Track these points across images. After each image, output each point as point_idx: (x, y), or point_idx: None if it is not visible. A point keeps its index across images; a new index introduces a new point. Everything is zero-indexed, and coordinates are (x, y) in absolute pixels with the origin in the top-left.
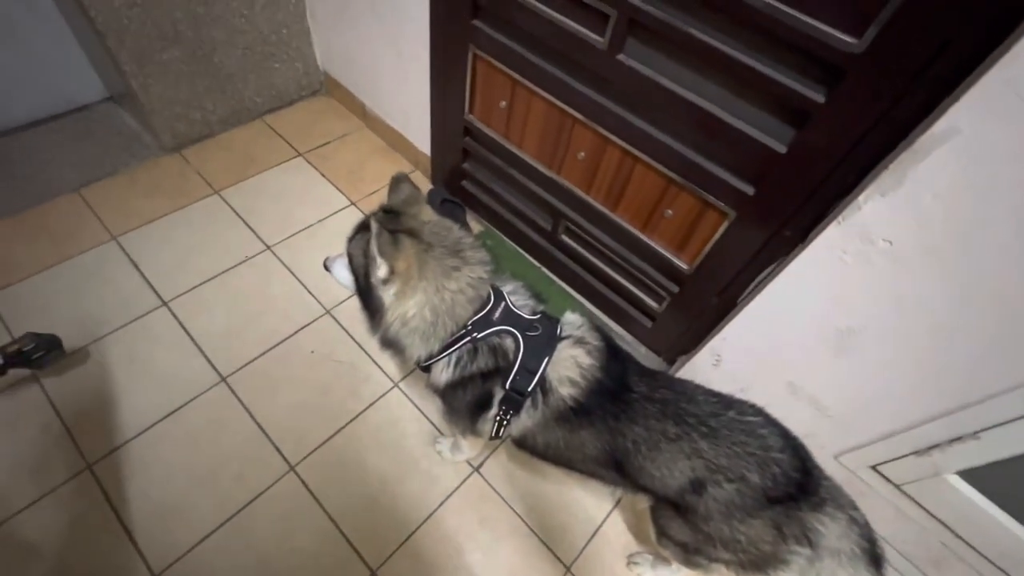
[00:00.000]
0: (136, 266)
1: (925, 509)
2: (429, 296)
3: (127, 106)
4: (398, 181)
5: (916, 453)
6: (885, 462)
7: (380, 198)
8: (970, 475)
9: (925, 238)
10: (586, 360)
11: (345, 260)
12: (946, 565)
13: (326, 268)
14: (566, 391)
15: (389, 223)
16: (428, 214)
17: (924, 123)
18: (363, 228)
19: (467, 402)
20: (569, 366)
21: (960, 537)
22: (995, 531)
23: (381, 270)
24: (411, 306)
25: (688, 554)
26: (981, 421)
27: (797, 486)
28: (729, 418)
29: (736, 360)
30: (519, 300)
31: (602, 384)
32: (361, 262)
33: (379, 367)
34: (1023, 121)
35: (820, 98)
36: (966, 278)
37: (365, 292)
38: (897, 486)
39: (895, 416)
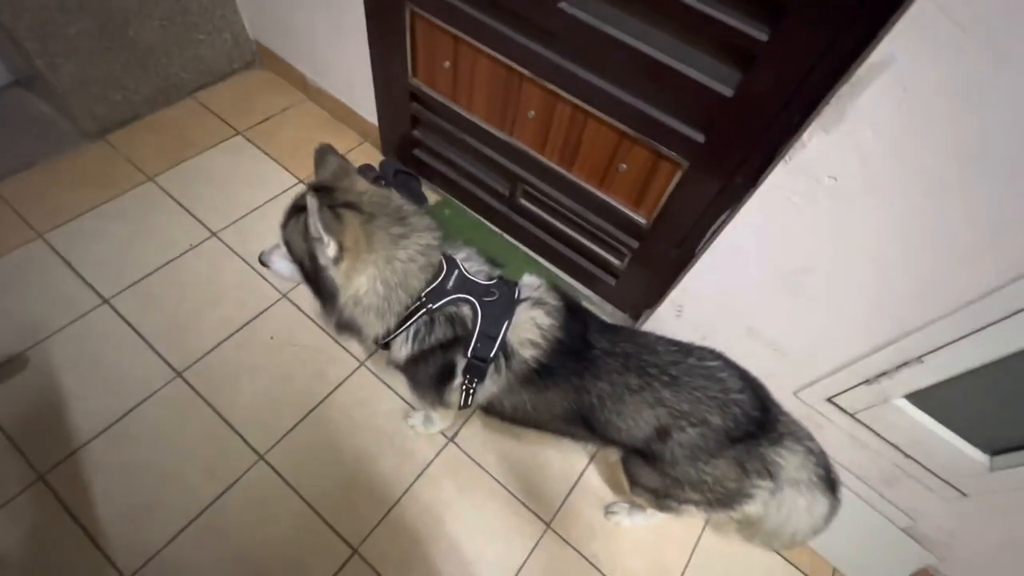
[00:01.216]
0: (69, 264)
1: (878, 434)
2: (380, 269)
3: (37, 90)
4: (323, 154)
5: (866, 382)
6: (839, 393)
7: None
8: (916, 398)
9: (867, 174)
10: (545, 321)
11: (283, 250)
12: (897, 484)
13: (263, 263)
14: (528, 353)
15: (325, 200)
16: (362, 184)
17: (863, 54)
18: (296, 211)
19: (430, 375)
20: (529, 328)
21: (910, 456)
22: (940, 448)
23: (329, 248)
24: (362, 282)
25: (659, 499)
26: (923, 346)
27: (757, 424)
28: (689, 365)
29: (697, 309)
30: (473, 266)
31: (563, 343)
32: (303, 247)
33: (343, 347)
34: (956, 48)
35: (763, 36)
36: (904, 212)
37: (313, 277)
38: (851, 415)
39: (846, 349)
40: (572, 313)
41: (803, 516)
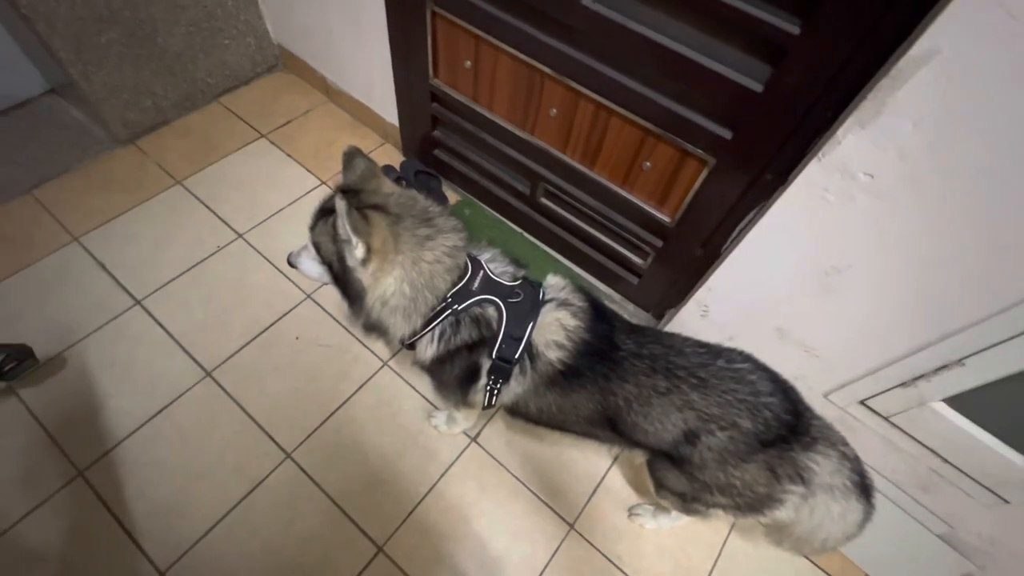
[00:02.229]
0: (103, 266)
1: (913, 438)
2: (407, 270)
3: (71, 97)
4: (351, 156)
5: (903, 385)
6: (873, 396)
7: None
8: (955, 401)
9: (906, 169)
10: (571, 322)
11: (312, 251)
12: (935, 489)
13: (291, 264)
14: (554, 355)
15: (353, 202)
16: (389, 186)
17: (903, 46)
18: (324, 213)
19: (455, 375)
20: (555, 329)
21: (948, 461)
22: (980, 453)
23: (358, 250)
24: (390, 283)
25: (686, 503)
26: (965, 348)
27: (788, 428)
28: (718, 367)
29: (723, 309)
30: (498, 267)
31: (589, 345)
32: (331, 248)
33: (367, 347)
34: (1009, 38)
35: (795, 29)
36: (948, 209)
37: (342, 278)
38: (886, 418)
39: (881, 351)
40: (598, 314)
41: (836, 522)
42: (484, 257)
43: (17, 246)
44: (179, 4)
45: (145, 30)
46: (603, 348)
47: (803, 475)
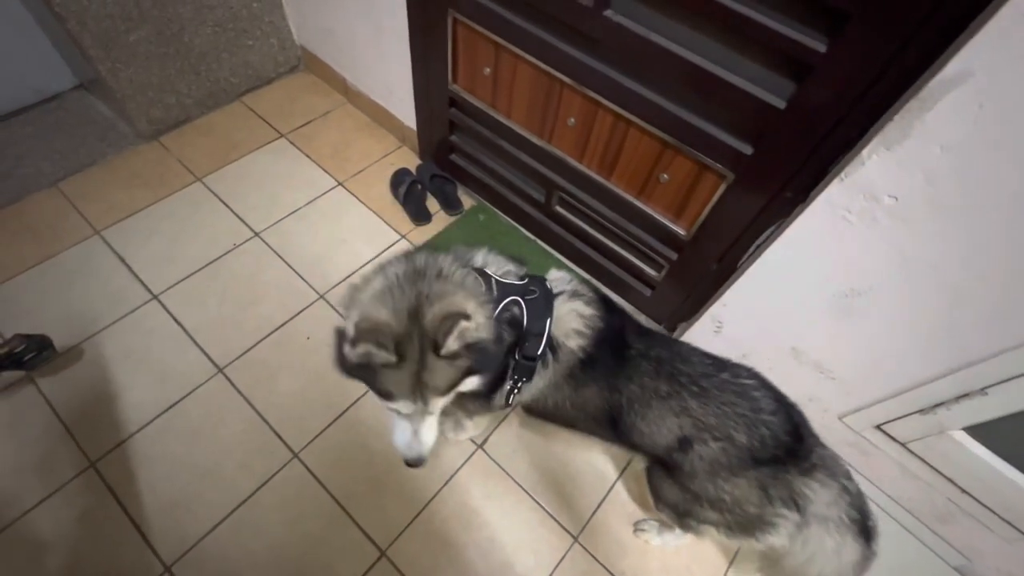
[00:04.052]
0: (122, 260)
1: (931, 466)
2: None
3: (98, 93)
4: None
5: (921, 411)
6: (890, 421)
7: (367, 177)
8: (977, 431)
9: (933, 193)
10: (587, 310)
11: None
12: (952, 520)
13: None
14: (574, 343)
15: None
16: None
17: (933, 68)
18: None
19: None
20: (573, 319)
21: (967, 492)
22: (1002, 485)
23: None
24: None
25: (680, 516)
26: (988, 377)
27: (787, 450)
28: (721, 379)
29: (737, 326)
30: (499, 269)
31: (604, 333)
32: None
33: None
34: None
35: (821, 47)
36: (975, 235)
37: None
38: (902, 444)
39: (899, 376)
40: (609, 307)
41: (829, 558)
42: (477, 262)
43: (41, 237)
44: (206, 4)
45: (172, 29)
46: (615, 341)
47: (797, 501)
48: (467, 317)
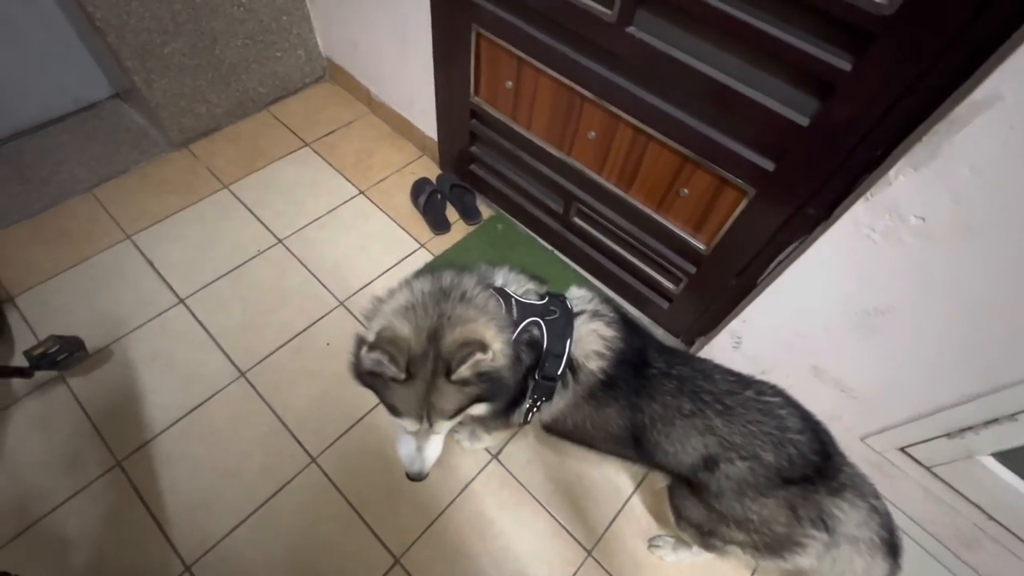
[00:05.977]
0: (151, 264)
1: (957, 491)
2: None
3: (133, 103)
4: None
5: (948, 435)
6: (914, 444)
7: (388, 186)
8: (1006, 457)
9: (961, 215)
10: (608, 332)
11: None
12: (978, 546)
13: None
14: (595, 364)
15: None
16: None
17: (962, 90)
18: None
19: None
20: (593, 340)
21: (994, 519)
22: None
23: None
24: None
25: (704, 536)
26: (1019, 403)
27: (815, 469)
28: (746, 397)
29: (757, 342)
30: (519, 288)
31: (625, 354)
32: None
33: None
34: None
35: (846, 66)
36: (1004, 257)
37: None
38: (928, 468)
39: (924, 398)
40: (630, 327)
41: None
42: (498, 282)
43: (75, 241)
44: (238, 18)
45: (205, 42)
46: (636, 361)
47: (827, 521)
48: (484, 349)
